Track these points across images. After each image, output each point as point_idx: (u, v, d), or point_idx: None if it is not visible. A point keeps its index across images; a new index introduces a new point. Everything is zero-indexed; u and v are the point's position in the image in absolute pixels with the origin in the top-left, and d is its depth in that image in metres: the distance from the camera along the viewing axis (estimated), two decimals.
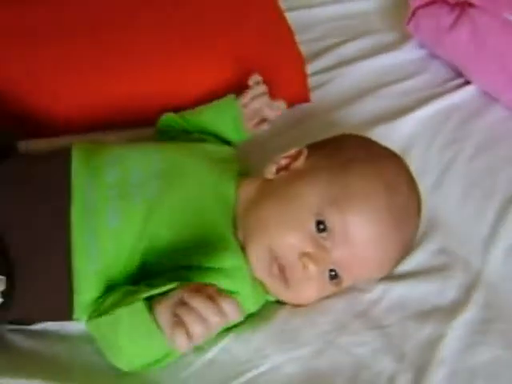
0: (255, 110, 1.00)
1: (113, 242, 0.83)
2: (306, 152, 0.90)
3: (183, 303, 0.71)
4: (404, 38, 1.32)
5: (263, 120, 1.01)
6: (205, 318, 0.70)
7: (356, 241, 0.83)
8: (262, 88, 1.00)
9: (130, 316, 0.75)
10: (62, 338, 0.86)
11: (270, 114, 1.00)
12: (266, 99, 1.00)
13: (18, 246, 0.82)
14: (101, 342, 0.80)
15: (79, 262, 0.82)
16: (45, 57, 1.06)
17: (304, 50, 1.22)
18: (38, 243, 0.83)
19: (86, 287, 0.82)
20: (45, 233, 0.83)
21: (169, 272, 0.83)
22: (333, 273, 0.85)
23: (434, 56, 1.28)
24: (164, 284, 0.77)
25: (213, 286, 0.74)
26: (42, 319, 0.87)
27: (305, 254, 0.83)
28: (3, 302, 0.80)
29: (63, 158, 0.88)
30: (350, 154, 0.88)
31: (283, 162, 0.91)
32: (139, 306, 0.74)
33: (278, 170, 0.90)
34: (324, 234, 0.83)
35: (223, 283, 0.83)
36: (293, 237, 0.83)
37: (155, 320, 0.73)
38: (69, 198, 0.83)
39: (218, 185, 0.89)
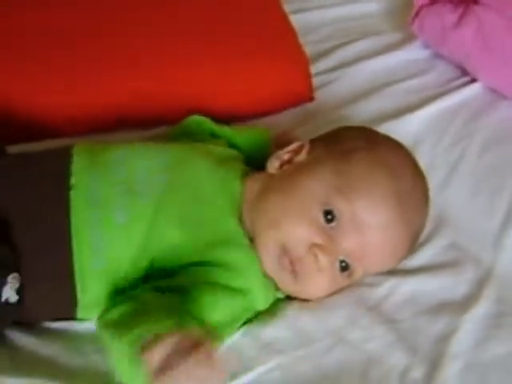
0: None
1: (121, 238, 0.81)
2: (307, 145, 0.90)
3: (177, 356, 0.68)
4: (408, 39, 1.31)
5: None
6: (192, 376, 0.68)
7: (365, 228, 0.82)
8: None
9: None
10: (63, 336, 0.84)
11: None
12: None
13: (21, 242, 0.80)
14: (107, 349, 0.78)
15: (83, 259, 0.81)
16: (51, 57, 1.06)
17: (308, 51, 1.21)
18: (39, 240, 0.81)
19: (90, 285, 0.81)
20: (46, 230, 0.82)
21: (177, 270, 0.81)
22: (343, 264, 0.84)
23: (438, 56, 1.27)
24: (171, 286, 0.77)
25: (208, 342, 0.70)
26: (46, 318, 0.85)
27: (315, 245, 0.81)
28: (18, 300, 0.79)
29: (64, 155, 0.87)
30: (352, 144, 0.88)
31: (286, 156, 0.90)
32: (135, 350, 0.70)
33: (282, 165, 0.90)
34: (333, 224, 0.82)
35: (234, 280, 0.82)
36: (301, 229, 0.82)
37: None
38: (69, 195, 0.82)
39: (224, 181, 0.88)
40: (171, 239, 0.82)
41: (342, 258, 0.84)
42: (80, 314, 0.83)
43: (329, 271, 0.83)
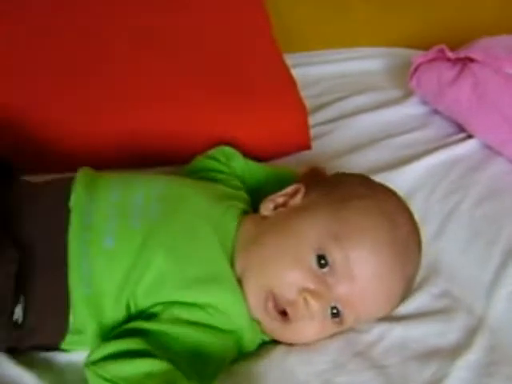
0: None
1: (107, 263, 0.80)
2: (303, 189, 0.89)
3: None
4: (407, 95, 1.33)
5: None
6: None
7: (359, 276, 0.80)
8: None
9: None
10: (49, 367, 0.82)
11: None
12: None
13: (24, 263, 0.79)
14: None
15: (73, 282, 0.80)
16: (53, 87, 1.08)
17: (307, 103, 1.22)
18: (40, 262, 0.80)
19: (78, 310, 0.80)
20: (46, 252, 0.81)
21: (162, 307, 0.80)
22: (335, 310, 0.82)
23: (436, 112, 1.29)
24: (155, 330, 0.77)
25: None
26: (35, 344, 0.83)
27: (306, 290, 0.80)
28: (22, 322, 0.79)
29: (66, 181, 0.87)
30: (349, 190, 0.87)
31: (281, 199, 0.89)
32: None
33: (276, 207, 0.89)
34: (325, 270, 0.81)
35: (220, 319, 0.81)
36: (293, 273, 0.81)
37: None
38: (67, 218, 0.82)
39: (219, 219, 0.87)
40: (156, 269, 0.80)
41: (333, 304, 0.82)
42: (64, 343, 0.82)
43: (319, 317, 0.81)
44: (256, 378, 0.81)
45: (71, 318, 0.80)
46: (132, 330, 0.78)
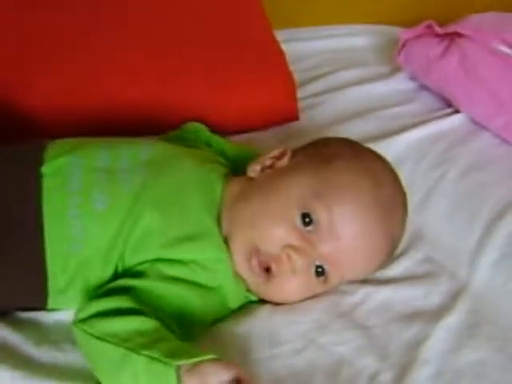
0: None
1: (98, 225, 0.81)
2: (289, 152, 0.90)
3: None
4: (394, 71, 1.34)
5: None
6: None
7: (343, 233, 0.81)
8: None
9: (150, 369, 0.71)
10: (33, 326, 0.83)
11: None
12: None
13: None
14: (90, 359, 0.76)
15: (59, 243, 0.80)
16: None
17: (296, 77, 1.23)
18: (8, 227, 0.81)
19: (65, 269, 0.80)
20: (15, 217, 0.81)
21: (147, 265, 0.81)
22: (320, 269, 0.83)
23: (423, 87, 1.30)
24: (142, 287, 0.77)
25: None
26: (15, 305, 0.84)
27: (289, 246, 0.81)
28: None
29: (37, 146, 0.88)
30: (334, 151, 0.88)
31: (268, 161, 0.90)
32: (170, 372, 0.70)
33: (263, 169, 0.90)
34: (310, 228, 0.82)
35: (204, 276, 0.82)
36: (277, 229, 0.82)
37: None
38: (41, 182, 0.82)
39: (205, 180, 0.88)
40: (143, 227, 0.81)
41: (318, 262, 0.83)
42: (50, 302, 0.82)
43: (304, 275, 0.83)
44: (240, 338, 0.82)
45: (52, 279, 0.81)
46: (118, 288, 0.79)
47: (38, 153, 0.86)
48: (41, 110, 1.06)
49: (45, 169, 0.84)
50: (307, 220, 0.82)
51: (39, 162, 0.84)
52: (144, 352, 0.72)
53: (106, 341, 0.74)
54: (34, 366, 0.78)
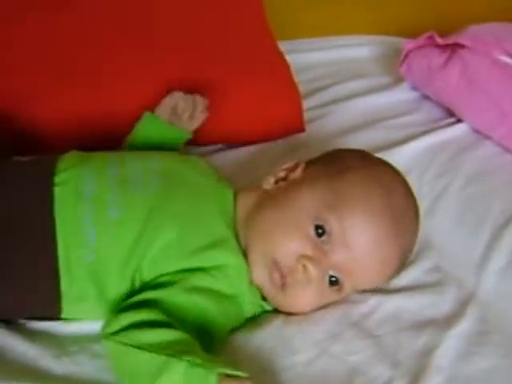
0: (171, 107, 1.03)
1: (112, 234, 0.83)
2: (303, 164, 0.92)
3: None
4: (397, 81, 1.36)
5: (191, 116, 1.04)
6: None
7: (355, 244, 0.83)
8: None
9: (191, 374, 0.73)
10: (48, 337, 0.84)
11: (185, 106, 1.03)
12: (178, 94, 1.03)
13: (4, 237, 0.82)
14: (122, 372, 0.77)
15: (72, 251, 0.82)
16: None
17: (300, 89, 1.25)
18: (22, 236, 0.82)
19: (78, 278, 0.82)
20: (28, 225, 0.83)
21: (169, 277, 0.82)
22: (333, 278, 0.85)
23: (426, 97, 1.32)
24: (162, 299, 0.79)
25: None
26: (29, 314, 0.85)
27: (304, 256, 0.83)
28: None
29: (49, 159, 0.89)
30: (346, 163, 0.90)
31: (281, 173, 0.92)
32: (212, 378, 0.72)
33: (277, 181, 0.92)
34: (323, 238, 0.84)
35: (225, 283, 0.84)
36: (292, 241, 0.84)
37: None
38: (53, 191, 0.84)
39: (216, 190, 0.91)
40: (163, 239, 0.83)
41: (331, 272, 0.85)
42: (65, 311, 0.84)
43: (318, 285, 0.85)
44: (253, 347, 0.84)
45: (65, 286, 0.82)
46: (143, 301, 0.80)
47: (49, 164, 0.88)
48: (43, 123, 1.07)
49: (57, 179, 0.85)
50: (320, 231, 0.84)
51: (52, 173, 0.86)
52: (185, 357, 0.73)
53: (145, 349, 0.75)
54: (52, 378, 0.79)
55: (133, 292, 0.83)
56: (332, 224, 0.84)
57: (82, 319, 0.86)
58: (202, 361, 0.73)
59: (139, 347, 0.75)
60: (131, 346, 0.75)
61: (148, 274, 0.83)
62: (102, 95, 1.11)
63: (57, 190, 0.84)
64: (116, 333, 0.77)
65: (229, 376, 0.73)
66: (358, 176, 0.87)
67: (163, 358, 0.74)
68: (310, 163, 0.93)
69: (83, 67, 1.13)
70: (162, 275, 0.83)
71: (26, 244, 0.82)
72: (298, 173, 0.91)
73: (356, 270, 0.85)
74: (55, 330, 0.85)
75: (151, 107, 1.07)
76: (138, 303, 0.80)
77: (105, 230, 0.83)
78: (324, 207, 0.84)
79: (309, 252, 0.83)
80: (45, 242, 0.82)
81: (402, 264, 0.91)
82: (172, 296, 0.81)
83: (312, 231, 0.84)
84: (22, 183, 0.86)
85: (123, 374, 0.77)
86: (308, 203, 0.85)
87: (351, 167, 0.89)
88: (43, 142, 1.07)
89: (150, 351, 0.74)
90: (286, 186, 0.90)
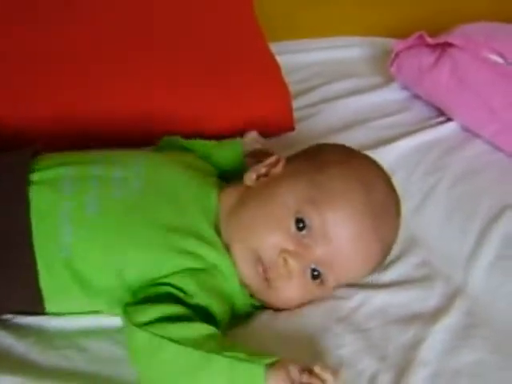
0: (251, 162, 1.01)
1: (89, 229, 0.83)
2: (283, 159, 0.93)
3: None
4: (387, 82, 1.37)
5: None
6: None
7: (336, 238, 0.84)
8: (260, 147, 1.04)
9: (235, 369, 0.74)
10: (36, 332, 0.84)
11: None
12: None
13: None
14: (151, 362, 0.76)
15: (48, 247, 0.82)
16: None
17: (290, 89, 1.25)
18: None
19: (56, 273, 0.82)
20: (4, 221, 0.83)
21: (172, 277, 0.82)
22: (315, 272, 0.85)
23: (416, 97, 1.33)
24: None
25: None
26: (13, 307, 0.85)
27: (285, 251, 0.83)
28: None
29: (27, 155, 0.89)
30: (326, 157, 0.90)
31: (263, 170, 0.92)
32: (260, 371, 0.74)
33: (258, 177, 0.92)
34: (304, 232, 0.84)
35: (221, 282, 0.84)
36: (273, 236, 0.84)
37: None
38: (27, 190, 0.83)
39: (199, 191, 0.90)
40: (143, 239, 0.83)
41: (313, 266, 0.85)
42: (48, 305, 0.84)
43: (300, 278, 0.85)
44: (242, 342, 0.83)
45: (44, 281, 0.81)
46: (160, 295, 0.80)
47: (27, 161, 0.87)
48: (36, 122, 1.07)
49: (33, 177, 0.85)
50: (301, 225, 0.84)
51: (28, 170, 0.86)
52: (227, 353, 0.74)
53: (182, 344, 0.75)
54: (41, 373, 0.79)
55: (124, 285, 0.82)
56: (312, 217, 0.84)
57: (68, 314, 0.86)
58: (246, 355, 0.74)
59: (176, 341, 0.75)
60: (168, 339, 0.75)
61: (135, 273, 0.83)
62: (102, 95, 1.12)
63: (33, 188, 0.84)
64: (148, 323, 0.77)
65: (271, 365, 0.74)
66: (339, 170, 0.88)
67: (204, 353, 0.74)
68: (290, 158, 0.93)
69: (82, 67, 1.14)
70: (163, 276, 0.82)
71: (2, 240, 0.82)
72: (279, 168, 0.91)
73: (337, 263, 0.85)
74: (42, 325, 0.85)
75: (145, 107, 1.09)
76: (156, 297, 0.80)
77: (82, 227, 0.83)
78: (304, 201, 0.85)
79: (290, 246, 0.83)
80: (21, 238, 0.82)
81: (384, 258, 0.91)
82: (193, 294, 0.81)
83: (293, 225, 0.84)
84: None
85: (149, 369, 0.77)
86: (289, 197, 0.86)
87: (332, 161, 0.89)
88: (41, 140, 1.05)
89: (188, 346, 0.74)
90: (267, 182, 0.90)
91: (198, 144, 1.04)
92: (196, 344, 0.75)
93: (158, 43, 1.20)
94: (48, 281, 0.82)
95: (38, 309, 0.84)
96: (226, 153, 1.02)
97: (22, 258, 0.82)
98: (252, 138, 1.06)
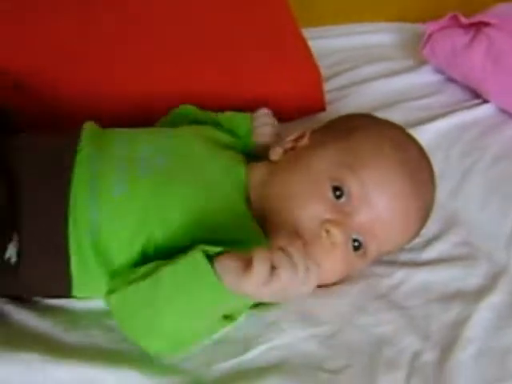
0: (261, 134, 0.99)
1: (117, 211, 0.79)
2: (308, 132, 0.90)
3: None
4: (419, 65, 1.33)
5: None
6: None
7: (375, 202, 0.80)
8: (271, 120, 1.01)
9: (184, 270, 0.71)
10: (61, 312, 0.82)
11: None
12: (271, 130, 0.99)
13: (20, 209, 0.79)
14: (126, 319, 0.75)
15: (79, 231, 0.78)
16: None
17: (322, 73, 1.22)
18: (36, 210, 0.79)
19: (86, 258, 0.79)
20: (44, 199, 0.80)
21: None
22: (356, 243, 0.81)
23: (450, 80, 1.28)
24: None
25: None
26: (42, 292, 0.83)
27: (327, 221, 0.79)
28: (16, 263, 0.77)
29: (73, 134, 0.87)
30: (353, 123, 0.88)
31: (289, 144, 0.90)
32: (199, 256, 0.70)
33: (285, 152, 0.89)
34: (342, 200, 0.81)
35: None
36: (313, 206, 0.80)
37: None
38: (70, 168, 0.81)
39: (228, 164, 0.87)
40: (172, 219, 0.79)
41: (354, 236, 0.81)
42: (76, 290, 0.81)
43: (342, 250, 0.81)
44: (274, 319, 0.80)
45: (75, 266, 0.79)
46: None
47: (68, 139, 0.86)
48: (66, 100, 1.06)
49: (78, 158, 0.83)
50: (338, 193, 0.81)
51: (70, 147, 0.84)
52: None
53: (135, 281, 0.74)
54: (65, 350, 0.77)
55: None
56: (350, 183, 0.80)
57: (94, 297, 0.83)
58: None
59: (130, 282, 0.74)
60: (127, 285, 0.74)
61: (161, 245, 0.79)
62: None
63: (75, 169, 0.81)
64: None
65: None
66: (368, 132, 0.85)
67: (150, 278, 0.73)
68: (315, 131, 0.90)
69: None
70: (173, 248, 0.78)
71: (41, 221, 0.79)
72: (305, 140, 0.88)
73: (379, 228, 0.81)
74: (68, 306, 0.83)
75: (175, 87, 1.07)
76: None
77: (108, 208, 0.79)
78: (339, 167, 0.81)
79: (330, 215, 0.80)
80: (57, 221, 0.79)
81: (424, 222, 0.87)
82: None
83: (331, 194, 0.81)
84: (46, 159, 0.83)
85: (132, 324, 0.75)
86: (322, 165, 0.82)
87: (360, 126, 0.87)
88: (64, 118, 1.04)
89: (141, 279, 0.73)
90: (296, 154, 0.87)
91: (210, 115, 1.02)
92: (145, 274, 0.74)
93: (186, 24, 1.18)
94: (78, 264, 0.79)
95: (64, 291, 0.81)
96: (237, 124, 0.99)
97: (56, 241, 0.78)
98: (263, 114, 1.01)
